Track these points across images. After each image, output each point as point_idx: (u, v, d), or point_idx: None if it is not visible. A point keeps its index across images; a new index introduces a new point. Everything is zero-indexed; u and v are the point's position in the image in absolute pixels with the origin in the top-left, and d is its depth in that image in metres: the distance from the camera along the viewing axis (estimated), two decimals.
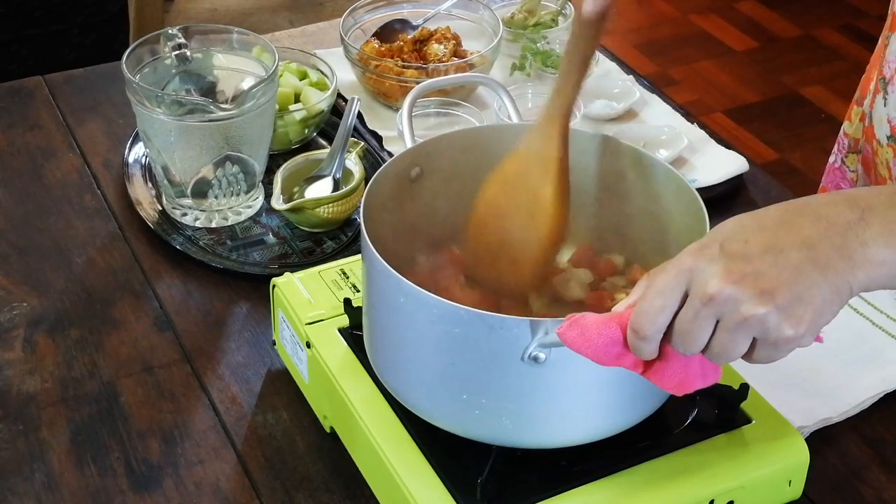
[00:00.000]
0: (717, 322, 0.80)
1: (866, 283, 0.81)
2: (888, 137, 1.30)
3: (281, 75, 1.45)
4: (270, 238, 1.32)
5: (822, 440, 1.08)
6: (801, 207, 0.83)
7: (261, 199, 1.37)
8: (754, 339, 0.81)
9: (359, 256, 1.02)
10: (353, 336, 1.05)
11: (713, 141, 1.49)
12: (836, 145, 1.46)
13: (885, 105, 1.30)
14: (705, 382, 0.85)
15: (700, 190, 1.06)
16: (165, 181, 1.33)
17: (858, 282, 0.81)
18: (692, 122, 1.53)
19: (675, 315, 0.81)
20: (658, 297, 0.81)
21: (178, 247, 1.30)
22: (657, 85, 1.63)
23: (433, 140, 1.07)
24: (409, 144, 1.07)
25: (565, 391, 0.91)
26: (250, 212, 1.35)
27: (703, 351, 0.82)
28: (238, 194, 1.34)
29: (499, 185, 1.02)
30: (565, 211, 1.01)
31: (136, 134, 1.42)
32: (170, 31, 1.32)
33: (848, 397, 1.11)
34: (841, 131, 1.45)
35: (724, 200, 1.39)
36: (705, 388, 0.86)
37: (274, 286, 1.11)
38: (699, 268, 0.80)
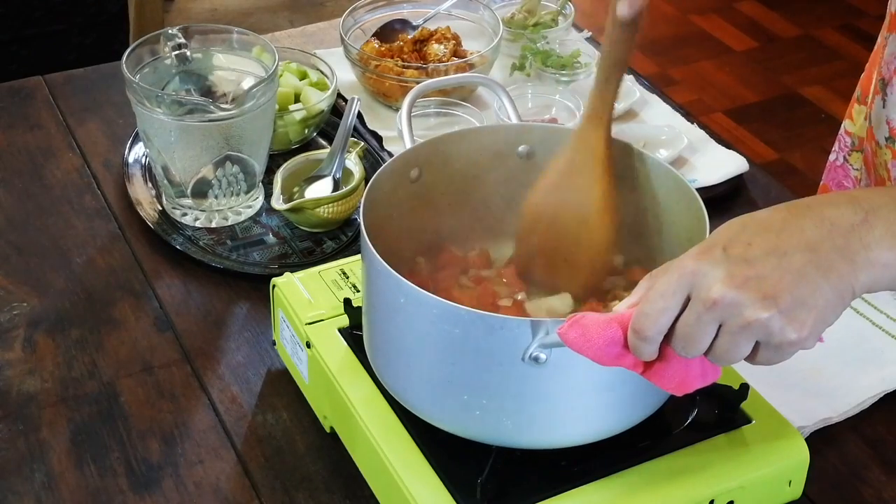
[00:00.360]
0: (720, 326, 0.80)
1: (869, 285, 0.81)
2: (887, 139, 1.30)
3: (281, 75, 1.45)
4: (270, 238, 1.32)
5: (822, 440, 1.08)
6: (804, 209, 0.83)
7: (261, 199, 1.37)
8: (757, 343, 0.81)
9: (359, 256, 1.02)
10: (353, 336, 1.05)
11: (713, 141, 1.49)
12: (836, 143, 1.46)
13: (883, 106, 1.30)
14: (705, 382, 0.85)
15: (700, 190, 1.06)
16: (165, 181, 1.33)
17: (861, 284, 0.81)
18: (692, 122, 1.53)
19: (677, 318, 0.81)
20: (660, 299, 0.81)
21: (178, 247, 1.30)
22: (657, 85, 1.63)
23: (433, 140, 1.07)
24: (409, 144, 1.07)
25: (566, 392, 0.90)
26: (250, 212, 1.35)
27: (706, 354, 0.82)
28: (238, 194, 1.34)
29: (546, 191, 1.04)
30: (614, 212, 1.03)
31: (136, 134, 1.42)
32: (170, 31, 1.32)
33: (848, 397, 1.11)
34: (841, 129, 1.45)
35: (724, 200, 1.39)
36: (705, 387, 0.86)
37: (274, 286, 1.11)
38: (702, 271, 0.80)
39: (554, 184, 1.04)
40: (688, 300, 0.81)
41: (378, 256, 0.91)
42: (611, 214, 1.03)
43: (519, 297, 1.05)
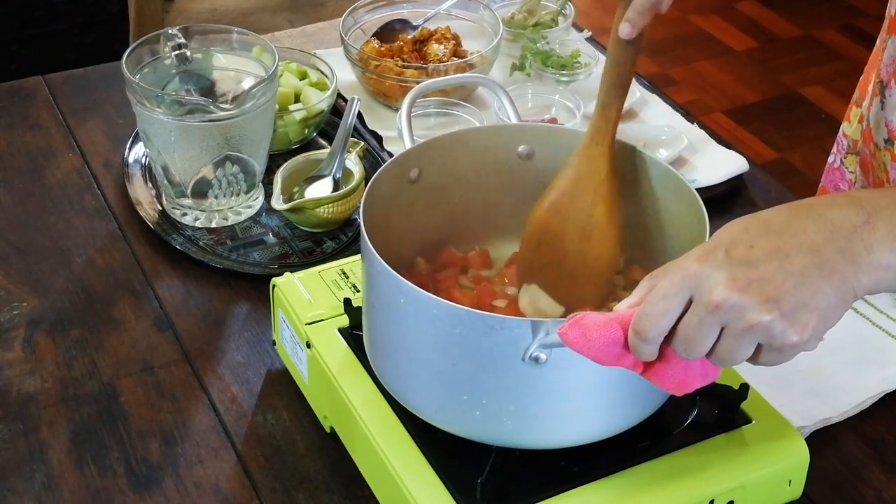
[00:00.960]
0: (722, 328, 0.80)
1: (871, 286, 0.81)
2: (885, 141, 1.30)
3: (281, 75, 1.45)
4: (270, 238, 1.32)
5: (822, 440, 1.08)
6: (806, 210, 0.83)
7: (261, 199, 1.37)
8: (759, 344, 0.81)
9: (359, 256, 1.02)
10: (353, 336, 1.05)
11: (713, 141, 1.49)
12: (835, 145, 1.46)
13: (882, 108, 1.30)
14: (705, 382, 0.85)
15: (700, 190, 1.06)
16: (165, 181, 1.33)
17: (863, 286, 0.81)
18: (692, 122, 1.53)
19: (678, 319, 0.81)
20: (661, 300, 0.81)
21: (178, 247, 1.30)
22: (657, 85, 1.64)
23: (433, 140, 1.07)
24: (409, 145, 1.07)
25: (566, 392, 0.91)
26: (250, 212, 1.35)
27: (707, 355, 0.82)
28: (238, 194, 1.34)
29: (550, 208, 1.03)
30: (618, 230, 1.02)
31: (136, 134, 1.42)
32: (170, 31, 1.32)
33: (848, 397, 1.11)
34: (840, 131, 1.45)
35: (724, 200, 1.39)
36: (704, 386, 0.86)
37: (274, 286, 1.11)
38: (704, 274, 0.80)
39: (558, 201, 1.03)
40: (689, 302, 0.81)
41: (378, 256, 0.91)
42: (615, 232, 1.02)
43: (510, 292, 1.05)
